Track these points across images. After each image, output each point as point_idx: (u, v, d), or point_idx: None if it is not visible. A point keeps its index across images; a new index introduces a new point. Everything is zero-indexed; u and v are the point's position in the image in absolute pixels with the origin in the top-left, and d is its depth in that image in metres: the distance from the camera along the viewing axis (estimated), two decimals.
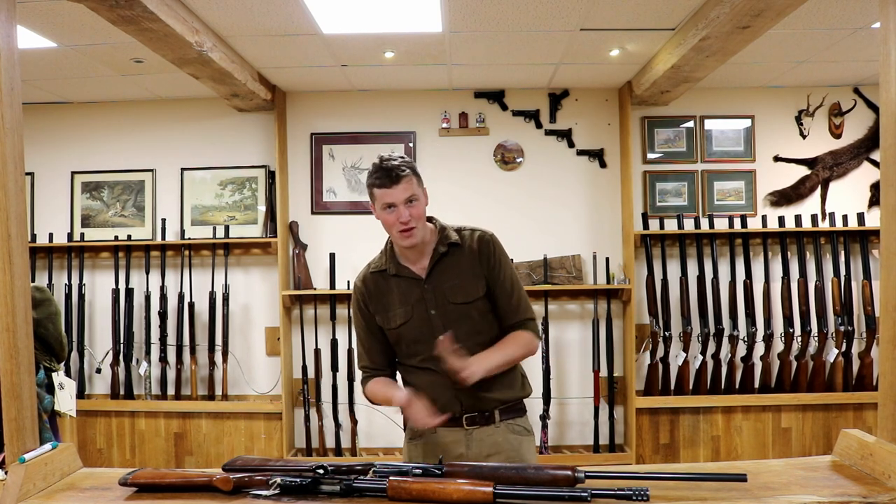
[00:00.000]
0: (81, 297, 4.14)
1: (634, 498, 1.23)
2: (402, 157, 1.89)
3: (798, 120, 4.20)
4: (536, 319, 2.02)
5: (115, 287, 4.12)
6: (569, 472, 1.32)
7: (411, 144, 4.19)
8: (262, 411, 4.11)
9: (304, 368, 4.08)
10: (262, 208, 4.21)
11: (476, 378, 1.81)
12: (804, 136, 4.21)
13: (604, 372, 4.06)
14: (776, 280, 4.07)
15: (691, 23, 2.94)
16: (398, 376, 2.07)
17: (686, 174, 4.20)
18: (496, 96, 4.17)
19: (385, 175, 1.84)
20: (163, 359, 4.11)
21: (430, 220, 1.99)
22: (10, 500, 1.32)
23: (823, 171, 4.18)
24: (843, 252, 4.05)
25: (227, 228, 4.14)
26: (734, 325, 4.03)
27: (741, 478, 1.30)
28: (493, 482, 1.29)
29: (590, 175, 4.21)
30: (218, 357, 4.11)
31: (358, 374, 4.31)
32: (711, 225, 4.11)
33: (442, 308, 1.92)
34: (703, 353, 4.01)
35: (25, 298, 1.49)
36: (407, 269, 1.96)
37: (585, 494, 1.24)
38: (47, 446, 1.48)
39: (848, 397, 3.97)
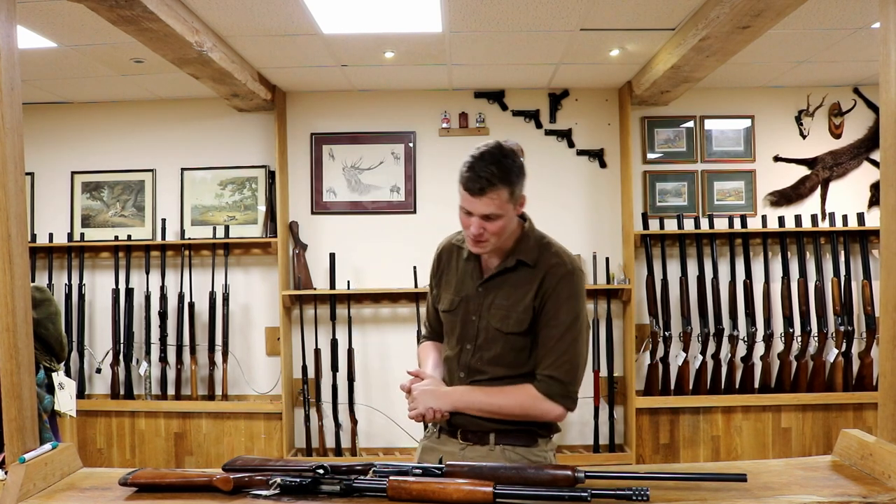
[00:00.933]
0: (81, 297, 4.14)
1: (634, 498, 1.23)
2: (506, 160, 1.62)
3: (798, 120, 4.20)
4: (571, 385, 1.68)
5: (115, 287, 4.12)
6: (569, 472, 1.31)
7: (411, 144, 4.19)
8: (262, 411, 4.11)
9: (304, 368, 4.08)
10: (262, 208, 4.21)
11: (438, 406, 1.71)
12: (804, 136, 4.21)
13: (604, 372, 4.06)
14: (776, 280, 4.07)
15: (691, 23, 2.94)
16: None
17: (686, 174, 4.20)
18: (496, 96, 4.17)
19: (473, 181, 1.60)
20: (163, 359, 4.11)
21: (522, 217, 1.77)
22: (10, 500, 1.32)
23: (823, 171, 4.18)
24: (843, 252, 4.05)
25: (227, 228, 4.14)
26: (734, 325, 4.03)
27: (741, 478, 1.30)
28: (493, 482, 1.29)
29: (590, 175, 4.21)
30: (218, 357, 4.11)
31: (358, 374, 4.29)
32: (711, 225, 4.11)
33: (483, 321, 1.75)
34: (703, 353, 4.01)
35: (25, 298, 1.49)
36: (478, 260, 1.78)
37: (585, 494, 1.24)
38: (47, 446, 1.48)
39: (848, 397, 3.97)
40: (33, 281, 3.87)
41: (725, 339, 4.04)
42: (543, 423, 1.75)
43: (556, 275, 1.69)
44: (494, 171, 1.60)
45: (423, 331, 2.04)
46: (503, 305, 1.72)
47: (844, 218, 4.08)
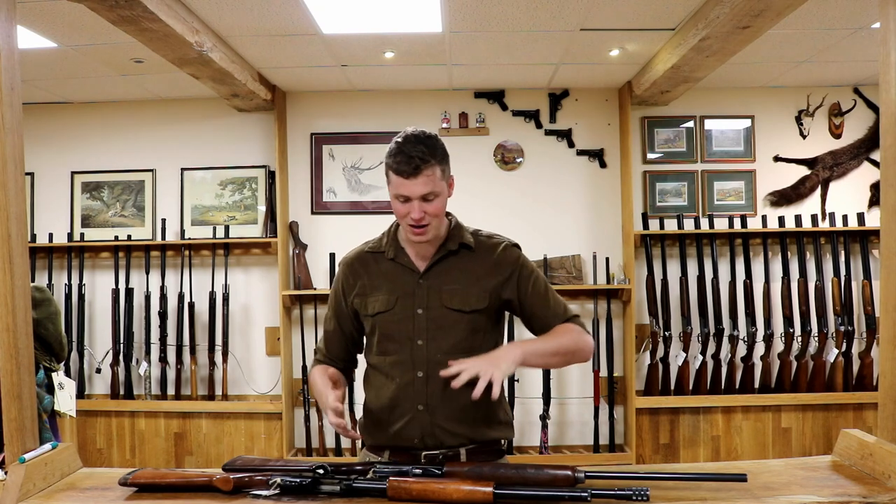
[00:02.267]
0: (81, 297, 4.13)
1: (634, 498, 1.23)
2: (430, 139, 1.63)
3: (798, 120, 4.20)
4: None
5: (115, 287, 4.12)
6: (569, 472, 1.32)
7: None
8: (262, 411, 4.11)
9: (304, 368, 4.08)
10: (262, 208, 4.21)
11: (508, 368, 1.52)
12: (804, 136, 4.21)
13: (604, 372, 4.06)
14: (776, 280, 4.07)
15: (691, 23, 2.94)
16: (357, 377, 1.85)
17: (686, 174, 4.20)
18: (496, 96, 4.17)
19: (405, 162, 1.58)
20: (163, 359, 4.11)
21: (446, 214, 1.77)
22: (10, 500, 1.32)
23: (823, 171, 4.18)
24: (843, 252, 4.05)
25: (227, 228, 4.14)
26: (734, 325, 4.03)
27: (741, 478, 1.30)
28: (494, 482, 1.29)
29: (590, 175, 4.21)
30: (218, 357, 4.11)
31: (358, 374, 4.31)
32: (711, 225, 4.11)
33: (433, 310, 1.69)
34: (703, 353, 4.01)
35: (25, 298, 1.49)
36: (406, 256, 1.75)
37: (585, 494, 1.24)
38: (47, 446, 1.48)
39: (848, 397, 3.97)
40: (33, 281, 3.87)
41: (725, 339, 4.03)
42: (503, 434, 1.74)
43: (508, 252, 1.75)
44: (424, 150, 1.59)
45: (316, 355, 1.88)
46: (457, 288, 1.70)
47: (844, 218, 4.08)
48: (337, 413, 1.56)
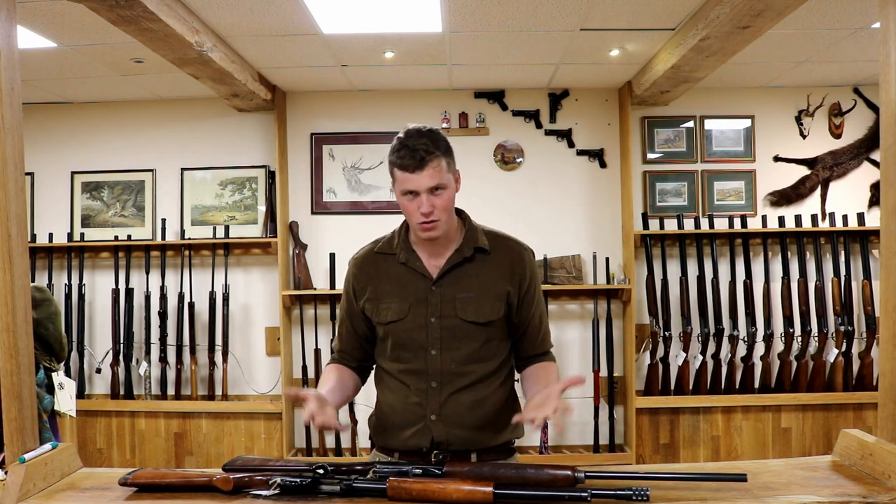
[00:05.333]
0: (81, 297, 4.13)
1: (634, 498, 1.23)
2: (433, 133, 1.59)
3: (798, 120, 4.20)
4: None
5: (115, 287, 4.12)
6: (569, 472, 1.32)
7: None
8: (262, 411, 4.11)
9: (304, 368, 4.08)
10: (262, 208, 4.21)
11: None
12: (804, 136, 4.21)
13: (604, 372, 4.06)
14: (776, 280, 4.07)
15: (691, 23, 2.94)
16: (371, 379, 1.84)
17: (686, 174, 4.20)
18: (496, 96, 4.17)
19: (409, 156, 1.55)
20: (163, 359, 4.11)
21: (458, 212, 1.72)
22: (10, 500, 1.32)
23: (823, 171, 4.18)
24: (843, 252, 4.05)
25: (227, 228, 4.14)
26: (734, 325, 4.03)
27: (741, 478, 1.30)
28: (493, 482, 1.29)
29: (590, 175, 4.21)
30: (218, 357, 4.11)
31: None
32: (711, 225, 4.11)
33: (446, 320, 1.64)
34: (703, 353, 4.01)
35: (25, 298, 1.49)
36: (418, 260, 1.68)
37: (585, 494, 1.24)
38: (47, 446, 1.48)
39: (848, 397, 3.97)
40: (33, 281, 3.87)
41: (725, 339, 4.03)
42: (514, 435, 1.76)
43: (525, 258, 1.71)
44: (428, 143, 1.56)
45: (332, 353, 1.87)
46: (471, 297, 1.64)
47: (844, 218, 4.08)
48: (311, 416, 1.47)
